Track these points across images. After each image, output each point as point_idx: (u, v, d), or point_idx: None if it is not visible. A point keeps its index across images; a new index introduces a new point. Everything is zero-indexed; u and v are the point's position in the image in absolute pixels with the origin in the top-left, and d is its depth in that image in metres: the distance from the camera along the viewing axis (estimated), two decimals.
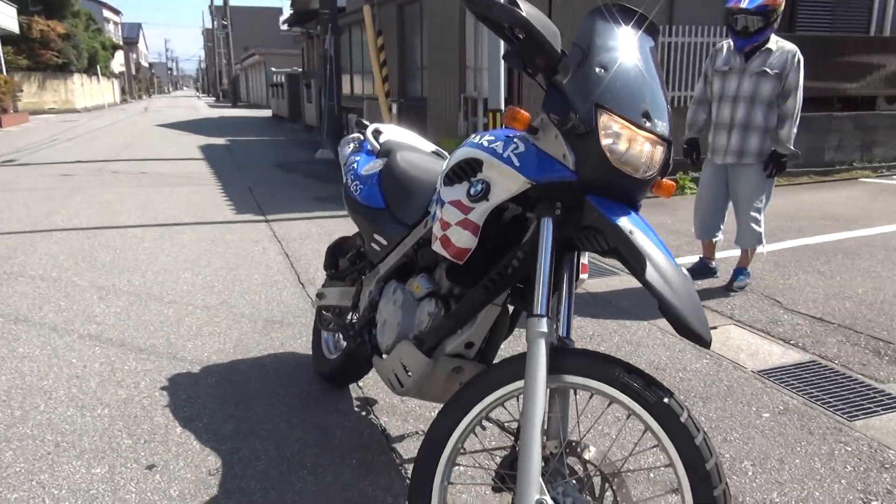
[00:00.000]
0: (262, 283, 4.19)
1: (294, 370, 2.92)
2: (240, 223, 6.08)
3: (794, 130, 3.80)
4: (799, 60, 3.75)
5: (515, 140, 1.67)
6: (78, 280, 4.20)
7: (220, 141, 14.73)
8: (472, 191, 1.71)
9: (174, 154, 11.88)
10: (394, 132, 2.72)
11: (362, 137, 2.74)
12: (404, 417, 2.51)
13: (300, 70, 21.79)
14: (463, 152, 1.79)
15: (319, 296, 2.76)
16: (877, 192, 7.42)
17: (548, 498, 1.41)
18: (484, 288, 1.72)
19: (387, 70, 8.13)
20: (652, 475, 2.15)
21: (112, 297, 3.86)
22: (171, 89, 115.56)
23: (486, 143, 1.73)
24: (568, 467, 1.53)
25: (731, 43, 3.90)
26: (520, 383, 1.57)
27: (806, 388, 2.77)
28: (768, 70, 3.76)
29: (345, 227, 5.86)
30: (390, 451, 2.28)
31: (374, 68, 8.18)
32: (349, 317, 2.43)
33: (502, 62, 6.50)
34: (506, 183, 1.63)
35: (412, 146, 2.57)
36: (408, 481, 2.11)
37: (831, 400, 2.66)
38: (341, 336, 2.93)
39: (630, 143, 1.49)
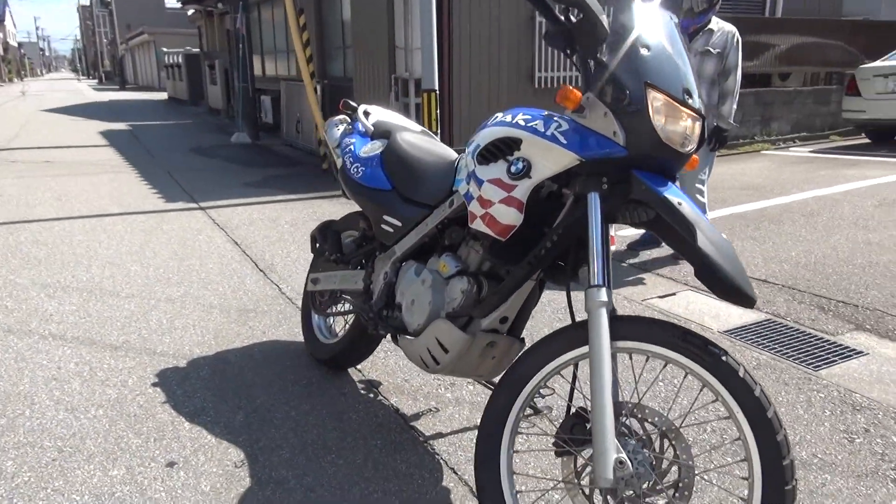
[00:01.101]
0: (220, 272, 4.06)
1: (286, 358, 2.88)
2: (173, 212, 5.82)
3: (735, 106, 4.06)
4: (738, 40, 4.01)
5: (556, 119, 1.72)
6: (16, 278, 3.92)
7: (121, 126, 13.90)
8: (512, 168, 1.76)
9: (76, 141, 11.12)
10: (381, 113, 2.72)
11: (349, 119, 2.72)
12: (413, 396, 2.54)
13: (199, 50, 20.81)
14: (495, 131, 1.83)
15: (314, 281, 2.73)
16: (781, 163, 8.01)
17: (623, 455, 1.50)
18: (528, 264, 1.78)
19: (310, 50, 7.95)
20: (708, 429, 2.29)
21: (62, 295, 3.63)
22: (43, 71, 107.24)
23: (522, 122, 1.78)
24: (626, 427, 1.62)
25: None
26: (577, 351, 1.65)
27: (770, 344, 3.01)
28: (711, 49, 3.98)
29: (289, 211, 5.74)
30: (410, 430, 2.31)
31: (297, 49, 7.95)
32: (363, 299, 2.42)
33: (434, 42, 6.52)
34: (551, 160, 1.69)
35: (406, 127, 2.58)
36: (437, 457, 2.15)
37: (795, 353, 2.91)
38: (333, 321, 2.92)
39: (676, 119, 1.58)
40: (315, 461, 2.12)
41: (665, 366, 1.63)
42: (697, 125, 1.62)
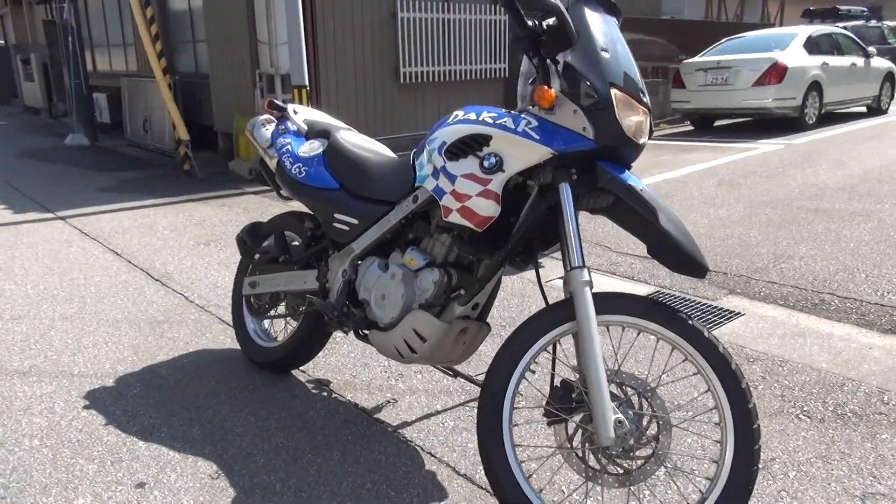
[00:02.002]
0: (112, 285, 3.80)
1: (221, 366, 2.80)
2: (28, 223, 5.29)
3: None
4: None
5: (524, 116, 1.87)
6: None
7: None
8: (485, 163, 1.88)
9: None
10: (309, 112, 2.72)
11: (274, 119, 2.69)
12: (367, 390, 2.59)
13: (3, 42, 18.67)
14: (461, 129, 1.95)
15: (252, 284, 2.68)
16: (653, 148, 8.75)
17: (621, 415, 1.69)
18: (505, 252, 1.92)
19: (161, 45, 7.49)
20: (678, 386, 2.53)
21: None
22: None
23: (490, 120, 1.91)
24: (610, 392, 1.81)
25: None
26: (563, 327, 1.82)
27: None
28: None
29: (163, 216, 5.44)
30: (376, 422, 2.37)
31: (145, 43, 7.45)
32: (321, 298, 2.42)
33: (302, 37, 6.44)
34: (523, 154, 1.83)
35: (341, 126, 2.61)
36: (411, 444, 2.23)
37: None
38: (272, 323, 2.88)
39: (635, 114, 1.79)
40: (293, 463, 2.12)
41: (639, 334, 1.84)
42: (648, 119, 1.85)
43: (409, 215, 2.14)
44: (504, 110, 1.97)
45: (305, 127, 2.61)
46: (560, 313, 1.83)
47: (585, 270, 1.76)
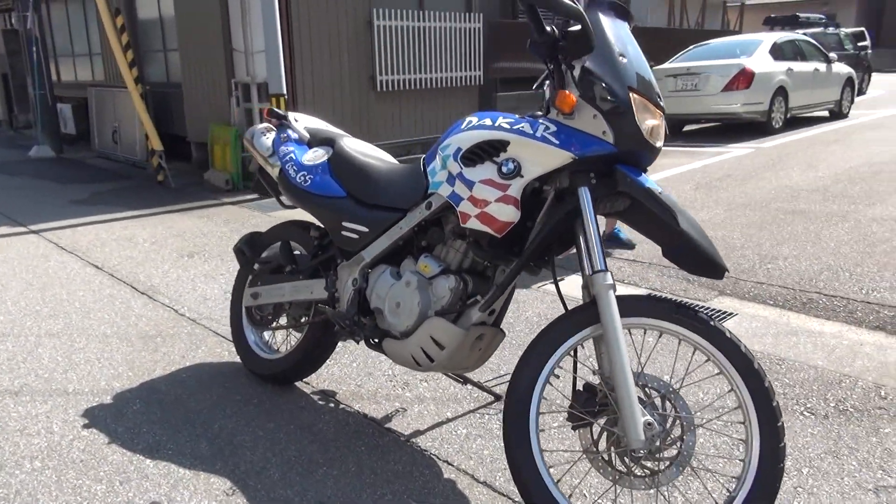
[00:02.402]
0: (96, 300, 3.70)
1: (222, 379, 2.74)
2: (0, 238, 5.13)
3: None
4: None
5: (541, 122, 1.87)
6: None
7: None
8: (504, 169, 1.88)
9: None
10: (309, 121, 2.69)
11: (273, 127, 2.66)
12: (374, 401, 2.56)
13: None
14: (477, 134, 1.94)
15: (254, 296, 2.64)
16: None
17: (650, 417, 1.69)
18: (525, 257, 1.92)
19: (132, 54, 7.34)
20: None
21: None
22: None
23: (507, 126, 1.91)
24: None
25: None
26: (586, 331, 1.82)
27: None
28: None
29: (142, 228, 5.33)
30: (388, 432, 2.34)
31: (116, 53, 7.30)
32: (335, 307, 2.38)
33: (280, 45, 6.40)
34: (543, 159, 1.84)
35: (343, 133, 2.58)
36: (426, 453, 2.21)
37: None
38: (273, 335, 2.83)
39: (653, 118, 1.81)
40: (309, 476, 2.09)
41: (661, 335, 1.85)
42: (663, 122, 1.87)
43: (423, 222, 2.12)
44: (516, 116, 1.98)
45: (307, 135, 2.58)
46: (582, 317, 1.83)
47: (609, 274, 1.77)
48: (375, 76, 7.92)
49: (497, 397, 2.56)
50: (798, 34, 11.06)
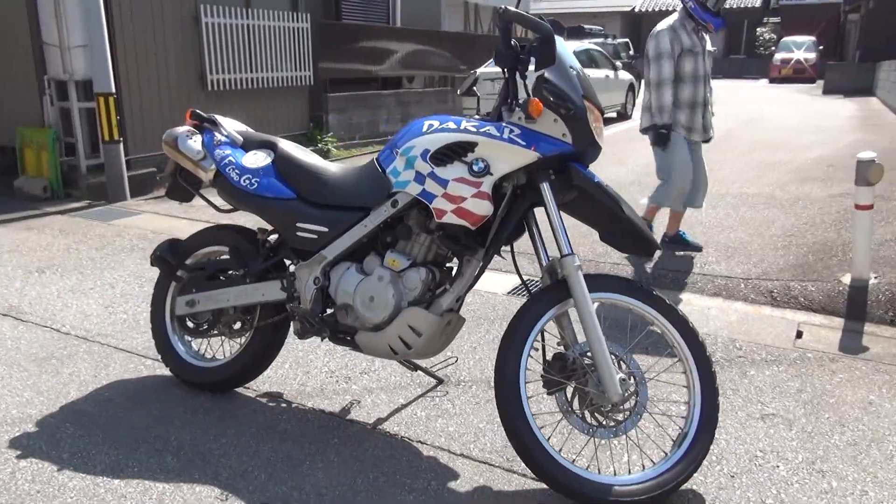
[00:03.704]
0: None
1: (150, 394, 2.62)
2: None
3: None
4: None
5: (505, 125, 2.12)
6: None
7: None
8: (475, 168, 2.10)
9: None
10: (232, 123, 2.68)
11: (195, 130, 2.61)
12: (324, 396, 2.63)
13: None
14: (444, 137, 2.14)
15: (190, 303, 2.57)
16: None
17: (623, 374, 2.01)
18: (491, 247, 2.14)
19: None
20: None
21: None
22: None
23: (473, 129, 2.13)
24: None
25: (685, 23, 4.01)
26: (560, 306, 2.09)
27: None
28: (710, 48, 4.16)
29: (12, 236, 4.70)
30: (352, 423, 2.44)
31: None
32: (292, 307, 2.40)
33: (106, 40, 5.96)
34: (511, 158, 2.08)
35: (277, 137, 2.61)
36: (398, 437, 2.35)
37: None
38: (208, 343, 2.76)
39: (599, 122, 2.14)
40: (296, 471, 2.13)
41: (612, 306, 2.18)
42: (602, 123, 2.20)
43: (388, 219, 2.26)
44: (479, 120, 2.20)
45: (241, 138, 2.57)
46: (552, 296, 2.11)
47: (575, 257, 2.06)
48: (205, 75, 7.59)
49: (440, 381, 2.75)
50: (590, 44, 12.40)
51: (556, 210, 2.10)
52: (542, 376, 2.14)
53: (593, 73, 11.21)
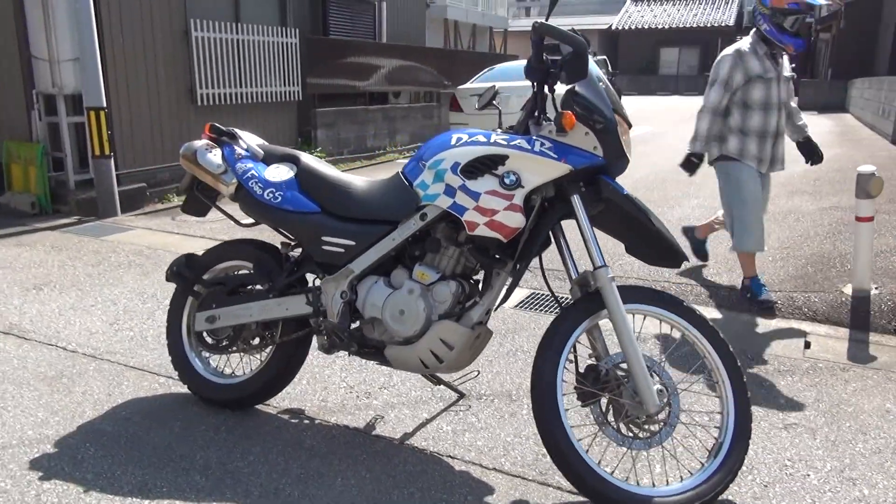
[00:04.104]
0: None
1: (168, 412, 2.57)
2: None
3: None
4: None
5: (536, 139, 2.13)
6: None
7: None
8: (506, 180, 2.11)
9: None
10: (250, 137, 2.66)
11: (213, 143, 2.58)
12: (346, 412, 2.60)
13: None
14: (474, 150, 2.15)
15: (210, 319, 2.53)
16: None
17: (660, 385, 2.01)
18: (528, 259, 2.15)
19: None
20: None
21: None
22: None
23: (504, 142, 2.14)
24: (623, 370, 2.12)
25: (757, 48, 3.65)
26: (594, 318, 2.10)
27: (545, 308, 3.83)
28: (788, 73, 3.77)
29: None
30: (378, 439, 2.41)
31: None
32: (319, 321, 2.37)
33: (97, 54, 5.91)
34: (543, 171, 2.09)
35: (298, 151, 2.60)
36: (427, 451, 2.33)
37: None
38: (227, 359, 2.72)
39: (627, 135, 2.16)
40: (329, 489, 2.10)
41: (644, 318, 2.19)
42: (629, 137, 2.22)
43: (417, 232, 2.25)
44: (504, 132, 2.21)
45: (261, 151, 2.55)
46: (585, 308, 2.12)
47: (608, 269, 2.07)
48: (195, 89, 7.54)
49: (461, 395, 2.74)
50: None
51: (588, 222, 2.11)
52: (575, 388, 2.14)
53: None
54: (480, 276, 2.35)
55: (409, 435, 2.44)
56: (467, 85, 11.01)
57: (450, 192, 2.16)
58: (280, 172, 2.46)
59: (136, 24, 6.86)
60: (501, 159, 2.12)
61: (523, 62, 12.01)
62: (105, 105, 6.13)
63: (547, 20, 2.16)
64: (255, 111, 8.50)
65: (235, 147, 2.54)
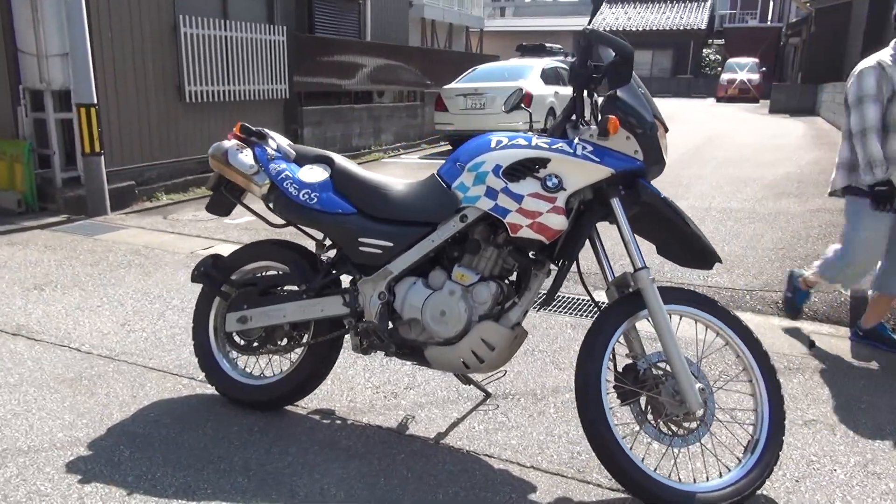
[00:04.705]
0: None
1: (197, 413, 2.56)
2: None
3: None
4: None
5: (577, 142, 2.17)
6: None
7: None
8: (549, 183, 2.14)
9: None
10: (278, 137, 2.65)
11: (243, 143, 2.57)
12: (376, 412, 2.61)
13: None
14: (515, 153, 2.18)
15: (242, 320, 2.52)
16: (409, 169, 9.32)
17: (701, 384, 2.07)
18: (572, 260, 2.18)
19: None
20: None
21: None
22: None
23: (545, 145, 2.18)
24: (661, 368, 2.18)
25: None
26: (634, 317, 2.14)
27: (556, 308, 3.88)
28: None
29: None
30: (413, 439, 2.43)
31: None
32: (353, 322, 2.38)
33: (88, 49, 5.82)
34: (584, 174, 2.14)
35: (331, 152, 2.60)
36: (464, 451, 2.35)
37: (579, 311, 3.84)
38: (256, 360, 2.71)
39: (664, 139, 2.21)
40: (372, 489, 2.11)
41: (680, 319, 2.24)
42: (667, 140, 2.28)
43: (457, 234, 2.27)
44: (540, 136, 2.25)
45: (293, 152, 2.55)
46: (626, 308, 2.16)
47: (648, 270, 2.12)
48: (183, 86, 7.45)
49: (488, 394, 2.77)
50: (557, 61, 12.65)
51: (628, 225, 2.16)
52: (615, 387, 2.18)
53: (562, 90, 11.44)
54: (513, 276, 2.38)
55: (443, 435, 2.46)
56: (452, 85, 11.05)
57: (491, 194, 2.19)
58: (315, 174, 2.46)
59: (125, 19, 6.75)
60: (543, 162, 2.16)
61: (505, 63, 12.17)
62: (95, 101, 6.02)
63: (590, 24, 2.21)
64: (243, 109, 8.42)
65: (266, 147, 2.53)
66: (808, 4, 19.49)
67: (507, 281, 2.38)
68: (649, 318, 2.14)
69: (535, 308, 3.85)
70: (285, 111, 9.21)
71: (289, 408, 2.62)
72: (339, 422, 2.54)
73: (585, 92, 2.24)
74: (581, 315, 3.74)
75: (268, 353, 2.57)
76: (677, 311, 2.18)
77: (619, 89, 2.15)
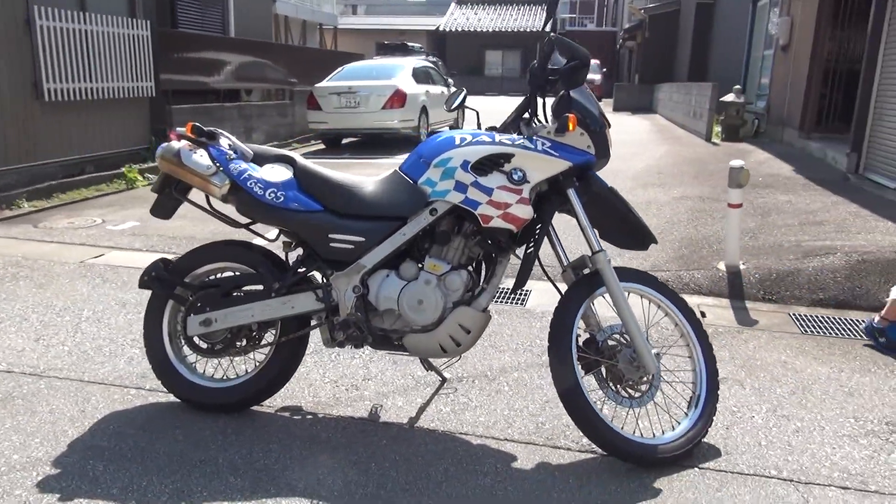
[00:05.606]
0: None
1: (160, 421, 2.49)
2: None
3: None
4: None
5: (536, 139, 2.38)
6: None
7: None
8: (514, 177, 2.34)
9: None
10: (231, 137, 2.64)
11: (191, 143, 2.53)
12: (343, 403, 2.68)
13: None
14: (481, 149, 2.36)
15: (206, 323, 2.49)
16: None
17: (656, 350, 2.35)
18: (537, 247, 2.39)
19: None
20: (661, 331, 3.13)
21: None
22: None
23: (508, 142, 2.37)
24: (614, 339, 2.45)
25: None
26: (594, 295, 2.39)
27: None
28: None
29: None
30: (388, 426, 2.52)
31: None
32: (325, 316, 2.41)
33: None
34: (545, 168, 2.36)
35: (290, 152, 2.63)
36: (439, 431, 2.48)
37: (505, 299, 4.09)
38: (218, 364, 2.67)
39: (610, 135, 2.48)
40: (369, 474, 2.19)
41: (628, 294, 2.52)
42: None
43: (427, 227, 2.40)
44: (500, 133, 2.44)
45: (251, 152, 2.55)
46: (586, 287, 2.41)
47: (606, 252, 2.37)
48: (41, 83, 6.86)
49: (444, 379, 2.92)
50: (425, 61, 12.94)
51: (584, 212, 2.40)
52: (578, 358, 2.42)
53: (432, 89, 11.74)
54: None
55: (415, 419, 2.58)
56: (325, 83, 10.99)
57: (461, 188, 2.34)
58: (278, 173, 2.48)
59: None
60: (507, 157, 2.34)
61: (375, 62, 12.28)
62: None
63: (543, 29, 2.43)
64: (106, 107, 7.89)
65: (222, 148, 2.51)
66: (641, 11, 21.28)
67: (470, 268, 2.55)
68: (605, 296, 2.40)
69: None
70: (151, 110, 8.72)
71: (255, 408, 2.62)
72: (310, 417, 2.57)
73: (540, 93, 2.45)
74: (501, 302, 3.98)
75: (233, 354, 2.55)
76: (627, 288, 2.46)
77: (572, 90, 2.38)
